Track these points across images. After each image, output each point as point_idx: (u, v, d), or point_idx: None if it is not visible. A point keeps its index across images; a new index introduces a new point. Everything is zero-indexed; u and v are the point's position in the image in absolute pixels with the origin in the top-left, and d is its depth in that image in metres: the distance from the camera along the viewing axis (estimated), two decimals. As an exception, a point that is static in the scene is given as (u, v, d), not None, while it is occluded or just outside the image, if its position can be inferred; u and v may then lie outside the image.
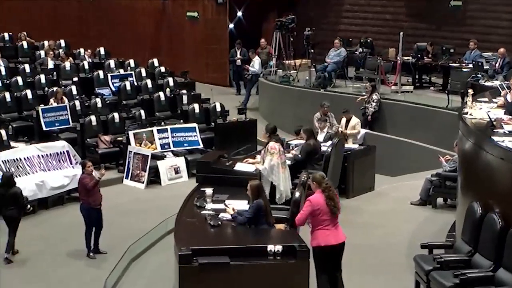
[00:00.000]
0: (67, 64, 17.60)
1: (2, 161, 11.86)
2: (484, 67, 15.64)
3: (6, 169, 11.65)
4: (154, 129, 14.30)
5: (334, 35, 19.80)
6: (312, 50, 18.72)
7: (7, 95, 15.21)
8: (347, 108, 14.70)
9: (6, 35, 20.21)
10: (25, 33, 20.28)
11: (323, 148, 11.43)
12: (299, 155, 11.20)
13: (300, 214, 7.67)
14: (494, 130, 8.30)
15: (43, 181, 12.07)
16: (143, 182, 13.41)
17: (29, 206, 10.92)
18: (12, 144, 13.15)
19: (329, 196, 7.63)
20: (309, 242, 7.64)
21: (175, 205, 9.18)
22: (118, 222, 11.25)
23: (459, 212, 8.86)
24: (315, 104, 15.27)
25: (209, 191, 8.87)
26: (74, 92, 15.93)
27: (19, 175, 11.77)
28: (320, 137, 13.10)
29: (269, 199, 8.66)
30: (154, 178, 13.63)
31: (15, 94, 15.46)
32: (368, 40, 19.96)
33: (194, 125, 14.76)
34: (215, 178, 9.62)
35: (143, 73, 17.83)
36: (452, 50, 17.88)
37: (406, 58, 17.71)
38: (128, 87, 16.60)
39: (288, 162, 10.13)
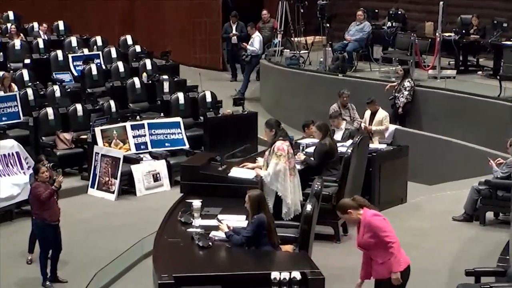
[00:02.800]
0: (17, 42, 17.62)
1: None
2: (546, 46, 15.69)
3: None
4: (127, 124, 14.33)
5: (356, 5, 19.84)
6: (328, 25, 18.73)
7: None
8: (372, 98, 14.73)
9: None
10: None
11: (342, 149, 11.43)
12: (312, 158, 11.21)
13: (389, 237, 7.76)
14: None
15: (-14, 190, 12.12)
16: (113, 192, 13.44)
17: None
18: None
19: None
20: (381, 274, 7.64)
21: (154, 221, 9.20)
22: (82, 243, 11.28)
23: (515, 230, 8.88)
24: (332, 93, 15.29)
25: (197, 203, 8.87)
26: (26, 77, 15.94)
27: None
28: (338, 135, 13.10)
29: (273, 214, 8.67)
30: (128, 187, 13.68)
31: (-49, 80, 15.52)
32: (399, 12, 19.95)
33: (178, 119, 14.80)
34: (204, 187, 9.65)
35: (113, 54, 17.86)
36: (505, 25, 17.87)
37: (447, 34, 17.73)
38: (94, 71, 16.62)
39: (298, 166, 10.13)
